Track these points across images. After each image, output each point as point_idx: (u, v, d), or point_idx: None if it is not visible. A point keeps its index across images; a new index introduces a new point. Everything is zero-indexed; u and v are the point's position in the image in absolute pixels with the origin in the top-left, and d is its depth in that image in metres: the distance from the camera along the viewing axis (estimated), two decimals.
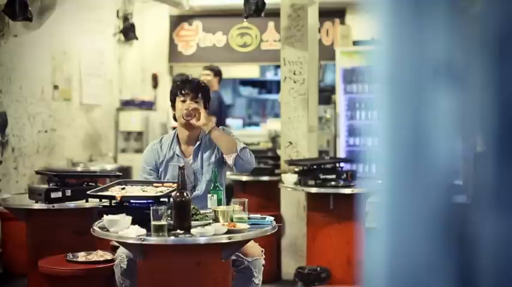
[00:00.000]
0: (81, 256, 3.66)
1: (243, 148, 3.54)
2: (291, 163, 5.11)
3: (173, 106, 3.67)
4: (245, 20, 5.79)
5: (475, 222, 0.96)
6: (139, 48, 8.46)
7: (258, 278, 3.37)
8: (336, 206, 4.67)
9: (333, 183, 4.71)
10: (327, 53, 7.93)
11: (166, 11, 8.67)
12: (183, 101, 3.58)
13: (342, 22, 8.19)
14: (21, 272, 4.75)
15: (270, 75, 10.55)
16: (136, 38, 8.10)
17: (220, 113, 7.10)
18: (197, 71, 7.30)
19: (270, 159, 6.15)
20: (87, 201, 3.74)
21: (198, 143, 3.65)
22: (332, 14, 8.11)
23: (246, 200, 3.29)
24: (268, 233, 3.11)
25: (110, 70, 7.97)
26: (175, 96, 3.62)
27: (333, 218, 4.71)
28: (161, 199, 3.06)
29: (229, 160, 3.52)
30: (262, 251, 3.44)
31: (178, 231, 2.85)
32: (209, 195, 3.39)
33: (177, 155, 3.63)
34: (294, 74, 5.48)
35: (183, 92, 3.57)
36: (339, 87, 7.76)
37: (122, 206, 3.09)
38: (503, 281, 0.95)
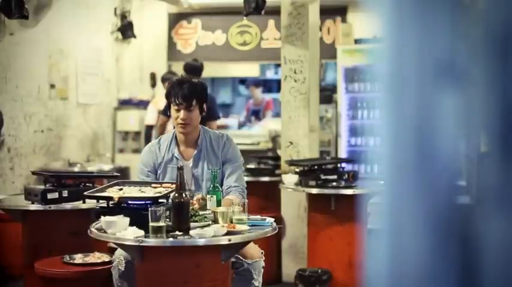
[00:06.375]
0: (78, 258, 3.62)
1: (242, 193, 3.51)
2: (292, 163, 5.06)
3: (169, 109, 3.61)
4: (245, 18, 5.76)
5: (479, 223, 0.92)
6: (137, 46, 8.42)
7: (258, 281, 3.34)
8: (337, 207, 4.62)
9: (334, 184, 4.66)
10: (328, 52, 7.88)
11: (164, 9, 8.62)
12: (177, 110, 3.50)
13: (344, 20, 8.14)
14: (17, 274, 4.72)
15: (270, 74, 10.51)
16: (135, 37, 8.06)
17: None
18: None
19: (270, 159, 6.10)
20: (84, 202, 3.73)
21: (198, 148, 3.59)
22: (333, 12, 8.06)
23: (246, 201, 3.25)
24: (268, 235, 3.09)
25: (107, 69, 7.92)
26: (170, 102, 3.56)
27: (334, 219, 4.66)
28: (159, 200, 3.02)
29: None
30: (262, 253, 3.40)
31: (177, 232, 2.83)
32: (208, 196, 3.34)
33: (176, 157, 3.57)
34: (295, 72, 5.43)
35: (176, 101, 3.48)
36: (340, 86, 7.71)
37: (119, 207, 3.05)
38: (506, 282, 0.91)
